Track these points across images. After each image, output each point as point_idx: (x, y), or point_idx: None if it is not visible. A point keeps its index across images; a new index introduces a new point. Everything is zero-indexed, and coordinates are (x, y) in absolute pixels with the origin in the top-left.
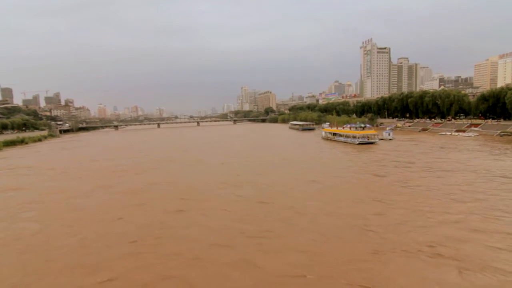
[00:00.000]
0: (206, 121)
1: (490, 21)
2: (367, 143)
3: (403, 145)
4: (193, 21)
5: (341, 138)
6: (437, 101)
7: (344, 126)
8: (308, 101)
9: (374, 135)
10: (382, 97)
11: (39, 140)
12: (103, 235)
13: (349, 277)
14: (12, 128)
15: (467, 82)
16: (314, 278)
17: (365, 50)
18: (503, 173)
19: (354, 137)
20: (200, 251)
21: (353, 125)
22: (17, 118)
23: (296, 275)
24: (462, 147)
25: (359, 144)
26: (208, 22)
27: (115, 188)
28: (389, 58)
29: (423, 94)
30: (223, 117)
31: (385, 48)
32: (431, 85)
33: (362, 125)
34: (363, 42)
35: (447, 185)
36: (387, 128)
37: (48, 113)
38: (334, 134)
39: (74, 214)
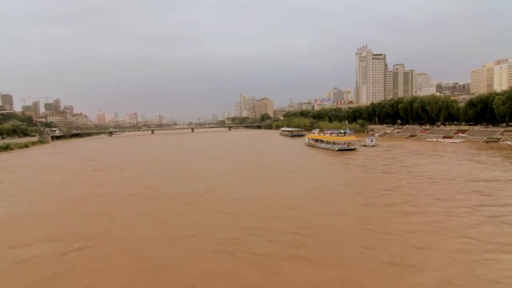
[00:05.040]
0: (201, 128)
1: (489, 28)
2: (347, 149)
3: (381, 151)
4: (194, 29)
5: (322, 145)
6: (426, 107)
7: (325, 132)
8: (305, 108)
9: (355, 141)
10: (372, 103)
11: (26, 146)
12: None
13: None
14: (1, 134)
15: (465, 88)
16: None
17: (360, 57)
18: (441, 177)
19: (334, 143)
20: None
21: (334, 131)
22: (8, 124)
23: (189, 236)
24: (433, 153)
25: (338, 150)
26: (209, 30)
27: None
28: (385, 65)
29: (412, 100)
30: (221, 123)
31: (380, 55)
32: (429, 92)
33: (342, 131)
34: (358, 49)
35: (375, 184)
36: (376, 135)
37: (43, 120)
38: (316, 140)
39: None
